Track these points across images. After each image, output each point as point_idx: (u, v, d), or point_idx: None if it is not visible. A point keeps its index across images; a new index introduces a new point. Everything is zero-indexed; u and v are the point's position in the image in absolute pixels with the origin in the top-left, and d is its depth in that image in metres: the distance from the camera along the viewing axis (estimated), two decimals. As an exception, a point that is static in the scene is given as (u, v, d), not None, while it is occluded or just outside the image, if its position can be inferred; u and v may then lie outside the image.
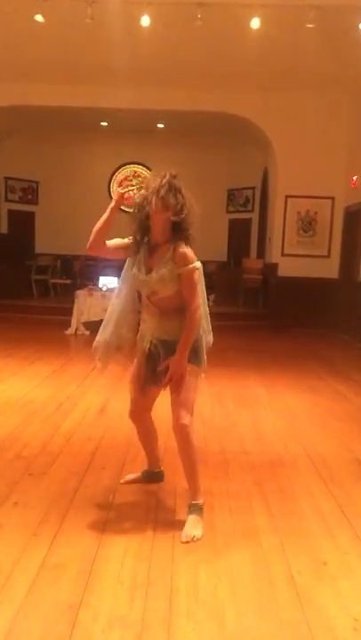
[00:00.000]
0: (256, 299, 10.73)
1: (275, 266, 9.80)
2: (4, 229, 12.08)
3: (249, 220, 12.21)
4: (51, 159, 12.21)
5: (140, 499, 2.90)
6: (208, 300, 2.87)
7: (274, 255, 9.85)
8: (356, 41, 6.92)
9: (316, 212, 9.62)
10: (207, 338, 2.76)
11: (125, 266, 2.78)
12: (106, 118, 11.20)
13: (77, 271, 11.58)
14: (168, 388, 2.64)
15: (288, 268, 9.62)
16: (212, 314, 2.82)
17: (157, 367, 2.60)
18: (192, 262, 2.54)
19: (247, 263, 11.04)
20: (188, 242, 2.57)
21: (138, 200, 2.58)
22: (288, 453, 3.66)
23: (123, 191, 2.66)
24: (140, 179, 2.72)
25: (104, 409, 4.44)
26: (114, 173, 12.80)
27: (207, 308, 2.78)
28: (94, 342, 2.85)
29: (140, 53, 7.67)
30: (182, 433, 2.59)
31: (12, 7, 7.08)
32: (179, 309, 2.58)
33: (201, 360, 2.67)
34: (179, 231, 2.57)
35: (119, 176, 11.66)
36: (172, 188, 2.51)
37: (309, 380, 5.77)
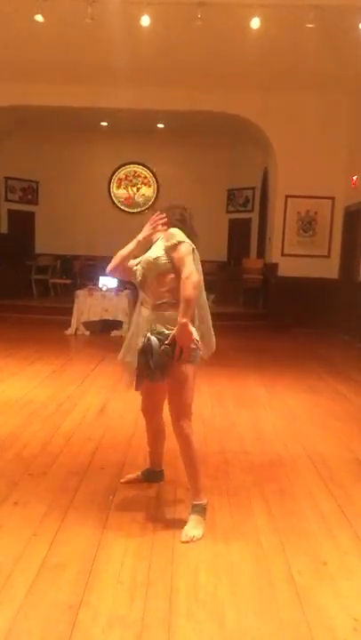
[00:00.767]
0: (256, 299, 10.73)
1: (275, 266, 9.80)
2: (4, 229, 12.07)
3: (249, 220, 12.21)
4: (51, 159, 12.20)
5: (140, 498, 2.90)
6: (208, 300, 2.86)
7: (274, 255, 9.85)
8: (357, 41, 6.92)
9: (316, 212, 9.62)
10: (210, 341, 2.76)
11: None
12: (106, 118, 11.21)
13: (77, 271, 11.59)
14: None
15: (288, 268, 9.63)
16: (212, 314, 2.81)
17: (150, 361, 2.54)
18: (179, 239, 2.60)
19: (247, 263, 11.05)
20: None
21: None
22: (288, 453, 3.66)
23: (152, 227, 2.70)
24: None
25: (104, 409, 4.44)
26: (114, 173, 12.83)
27: (208, 313, 2.77)
28: (119, 357, 2.86)
29: (140, 53, 7.67)
30: (181, 434, 2.59)
31: (12, 7, 7.08)
32: (173, 301, 2.59)
33: (197, 357, 2.64)
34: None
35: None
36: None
37: (309, 380, 5.77)
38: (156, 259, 2.62)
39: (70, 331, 8.20)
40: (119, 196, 12.83)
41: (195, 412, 2.70)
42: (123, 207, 12.82)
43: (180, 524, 2.58)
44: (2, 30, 7.59)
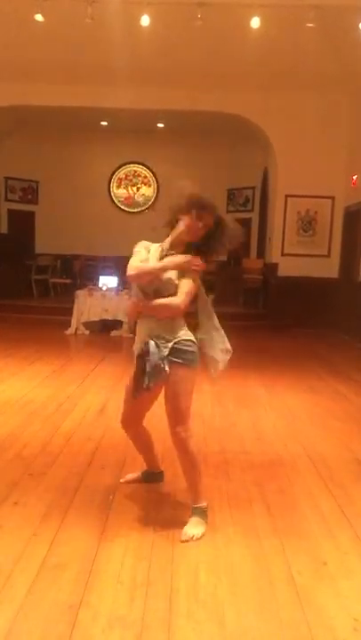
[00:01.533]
0: (256, 299, 10.73)
1: (275, 266, 9.80)
2: (4, 229, 12.08)
3: (249, 220, 12.20)
4: (51, 159, 12.21)
5: (140, 498, 2.90)
6: (208, 300, 2.83)
7: (274, 255, 9.85)
8: (357, 41, 6.92)
9: (316, 212, 9.62)
10: (224, 357, 2.70)
11: None
12: (106, 118, 11.21)
13: (77, 271, 11.59)
14: (163, 396, 2.60)
15: (288, 268, 9.63)
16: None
17: (147, 364, 2.49)
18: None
19: (247, 263, 11.04)
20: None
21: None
22: (288, 453, 3.66)
23: (186, 266, 2.63)
24: None
25: (104, 409, 4.44)
26: (114, 173, 12.84)
27: (213, 329, 2.71)
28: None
29: (140, 53, 7.67)
30: (178, 440, 2.57)
31: (12, 7, 7.08)
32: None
33: (197, 361, 2.61)
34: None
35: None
36: None
37: (309, 380, 5.77)
38: (175, 283, 2.57)
39: (70, 331, 8.20)
40: (119, 196, 12.84)
41: (195, 411, 2.70)
42: (123, 207, 12.84)
43: (180, 524, 2.58)
44: (2, 30, 7.60)
